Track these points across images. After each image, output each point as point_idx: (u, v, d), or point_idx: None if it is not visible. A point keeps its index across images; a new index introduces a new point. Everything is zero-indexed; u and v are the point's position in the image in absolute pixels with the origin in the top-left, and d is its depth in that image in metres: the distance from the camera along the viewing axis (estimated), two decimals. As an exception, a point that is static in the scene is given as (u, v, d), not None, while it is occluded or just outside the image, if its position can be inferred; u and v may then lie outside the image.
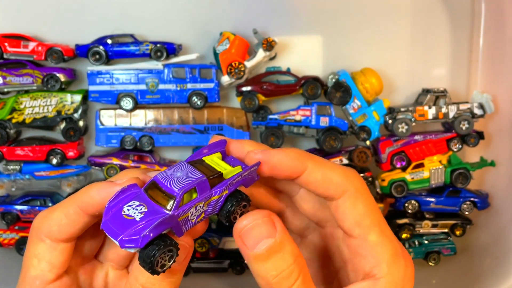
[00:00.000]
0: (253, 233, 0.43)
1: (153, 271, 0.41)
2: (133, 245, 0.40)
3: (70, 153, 1.15)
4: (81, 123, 1.14)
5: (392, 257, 0.46)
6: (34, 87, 1.12)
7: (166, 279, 0.45)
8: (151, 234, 0.40)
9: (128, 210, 0.43)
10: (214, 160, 0.48)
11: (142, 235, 0.40)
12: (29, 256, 0.48)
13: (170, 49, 1.12)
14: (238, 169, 0.46)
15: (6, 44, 1.10)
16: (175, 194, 0.42)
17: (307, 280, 0.45)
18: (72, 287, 0.51)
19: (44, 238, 0.48)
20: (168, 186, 0.43)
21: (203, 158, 0.48)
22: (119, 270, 0.55)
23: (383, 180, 1.18)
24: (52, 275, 0.48)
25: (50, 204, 1.14)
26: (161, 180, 0.44)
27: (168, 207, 0.42)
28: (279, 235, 0.44)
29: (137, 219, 0.42)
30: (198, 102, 1.14)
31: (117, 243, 0.41)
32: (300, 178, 0.48)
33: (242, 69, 1.12)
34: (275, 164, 0.47)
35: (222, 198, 0.45)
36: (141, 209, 0.43)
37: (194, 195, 0.44)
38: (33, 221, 0.49)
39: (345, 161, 1.17)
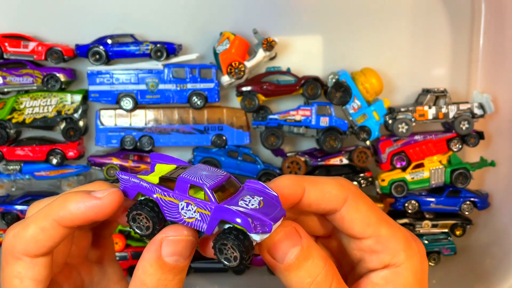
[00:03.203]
0: (280, 246, 0.43)
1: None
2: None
3: (70, 153, 1.15)
4: (81, 123, 1.14)
5: (406, 244, 0.47)
6: (34, 87, 1.12)
7: (176, 276, 0.44)
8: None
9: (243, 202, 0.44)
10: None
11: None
12: (9, 277, 0.46)
13: (170, 49, 1.12)
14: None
15: (6, 44, 1.10)
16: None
17: (341, 280, 0.46)
18: None
19: (22, 256, 0.46)
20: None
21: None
22: (85, 263, 0.54)
23: (383, 180, 1.18)
24: None
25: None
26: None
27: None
28: (304, 242, 0.44)
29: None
30: (198, 102, 1.14)
31: (273, 225, 0.42)
32: (301, 202, 0.47)
33: (242, 69, 1.12)
34: (275, 190, 0.46)
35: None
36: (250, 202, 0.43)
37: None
38: (4, 241, 0.46)
39: (345, 161, 1.17)
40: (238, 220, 0.41)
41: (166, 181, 0.45)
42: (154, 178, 0.46)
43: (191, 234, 0.44)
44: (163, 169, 0.48)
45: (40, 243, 0.45)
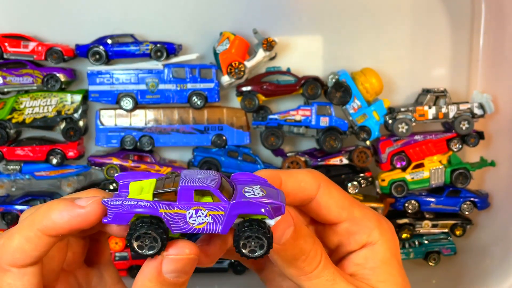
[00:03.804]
0: (278, 227, 0.45)
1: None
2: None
3: (70, 153, 1.15)
4: (81, 123, 1.14)
5: (377, 222, 0.52)
6: (34, 87, 1.12)
7: None
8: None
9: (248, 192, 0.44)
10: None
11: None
12: None
13: (170, 49, 1.12)
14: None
15: (6, 44, 1.10)
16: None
17: (327, 256, 0.49)
18: None
19: (9, 268, 0.45)
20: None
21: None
22: (81, 268, 0.54)
23: (383, 180, 1.18)
24: None
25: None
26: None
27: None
28: (296, 222, 0.46)
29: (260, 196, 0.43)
30: (198, 102, 1.14)
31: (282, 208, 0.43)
32: None
33: (242, 69, 1.12)
34: None
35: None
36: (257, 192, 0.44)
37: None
38: None
39: (345, 161, 1.17)
40: (262, 210, 0.42)
41: (162, 195, 0.44)
42: (147, 195, 0.43)
43: (193, 252, 0.44)
44: (142, 185, 0.45)
45: (27, 253, 0.45)
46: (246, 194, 0.43)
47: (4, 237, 0.46)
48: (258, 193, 0.43)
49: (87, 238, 0.54)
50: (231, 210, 0.42)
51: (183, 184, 0.42)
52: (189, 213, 0.43)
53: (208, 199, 0.43)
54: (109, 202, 0.43)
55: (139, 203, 0.42)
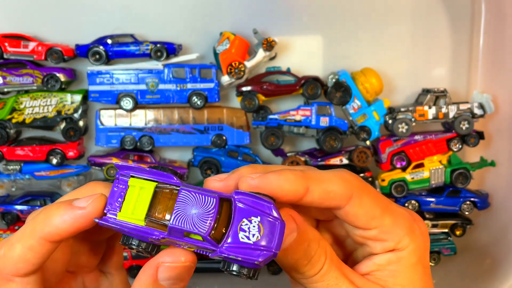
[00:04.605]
0: None
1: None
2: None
3: (70, 153, 1.15)
4: (81, 123, 1.14)
5: (409, 228, 0.48)
6: (34, 87, 1.12)
7: None
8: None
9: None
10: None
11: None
12: None
13: (170, 49, 1.12)
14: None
15: (6, 44, 1.10)
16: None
17: (334, 258, 0.47)
18: None
19: (12, 278, 0.44)
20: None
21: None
22: (91, 272, 0.54)
23: (383, 180, 1.18)
24: None
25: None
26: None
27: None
28: (300, 227, 0.45)
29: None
30: (198, 102, 1.14)
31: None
32: (303, 200, 0.46)
33: (242, 69, 1.12)
34: (274, 190, 0.44)
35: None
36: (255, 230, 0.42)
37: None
38: None
39: (345, 161, 1.17)
40: (243, 270, 0.41)
41: (155, 224, 0.43)
42: (139, 218, 0.42)
43: (189, 260, 0.44)
44: (138, 194, 0.44)
45: (30, 261, 0.44)
46: (240, 236, 0.41)
47: (4, 247, 0.45)
48: (254, 235, 0.41)
49: (104, 243, 0.53)
50: (219, 253, 0.42)
51: (173, 223, 0.41)
52: (179, 244, 0.43)
53: (198, 237, 0.42)
54: (99, 222, 0.42)
55: (130, 225, 0.42)
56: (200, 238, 0.42)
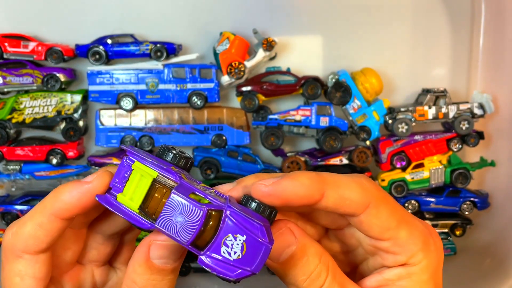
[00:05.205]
0: (273, 246, 0.43)
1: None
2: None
3: (70, 153, 1.15)
4: (81, 123, 1.14)
5: (424, 243, 0.46)
6: (34, 87, 1.12)
7: (166, 277, 0.45)
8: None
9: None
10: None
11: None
12: (9, 276, 0.46)
13: (170, 49, 1.12)
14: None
15: (6, 44, 1.10)
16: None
17: (337, 275, 0.45)
18: None
19: (22, 254, 0.46)
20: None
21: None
22: (102, 266, 0.55)
23: (383, 180, 1.18)
24: None
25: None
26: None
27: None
28: (299, 241, 0.44)
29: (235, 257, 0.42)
30: (198, 102, 1.14)
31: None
32: (317, 205, 0.45)
33: (242, 69, 1.12)
34: (289, 196, 0.43)
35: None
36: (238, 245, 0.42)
37: None
38: (3, 240, 0.47)
39: (345, 161, 1.17)
40: (220, 277, 0.41)
41: (146, 214, 0.44)
42: (134, 204, 0.43)
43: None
44: (139, 180, 0.44)
45: (40, 239, 0.46)
46: (222, 250, 0.41)
47: (17, 224, 0.47)
48: (235, 253, 0.41)
49: (117, 239, 0.54)
50: (199, 260, 0.42)
51: (159, 225, 0.42)
52: None
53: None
54: (99, 199, 0.44)
55: (126, 210, 0.44)
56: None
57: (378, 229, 0.45)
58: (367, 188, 0.45)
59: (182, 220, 0.41)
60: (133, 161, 0.44)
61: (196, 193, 0.43)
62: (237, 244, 0.41)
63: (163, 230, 0.41)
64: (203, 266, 0.42)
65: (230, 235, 0.41)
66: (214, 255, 0.41)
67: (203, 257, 0.41)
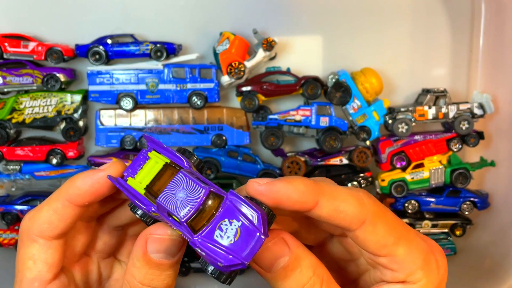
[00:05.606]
0: (266, 255, 0.43)
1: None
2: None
3: (70, 153, 1.15)
4: (81, 123, 1.14)
5: (424, 261, 0.45)
6: (34, 87, 1.12)
7: (164, 272, 0.45)
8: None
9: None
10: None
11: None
12: (23, 259, 0.48)
13: (170, 49, 1.12)
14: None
15: (6, 44, 1.10)
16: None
17: (328, 284, 0.45)
18: (70, 286, 0.51)
19: (36, 238, 0.48)
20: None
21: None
22: (106, 258, 0.56)
23: (383, 180, 1.18)
24: (50, 275, 0.48)
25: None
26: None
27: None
28: (293, 252, 0.43)
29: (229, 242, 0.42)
30: (198, 102, 1.14)
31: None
32: (310, 212, 0.44)
33: (242, 69, 1.12)
34: (281, 199, 0.43)
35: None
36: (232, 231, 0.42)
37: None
38: (21, 224, 0.49)
39: (345, 161, 1.17)
40: (210, 268, 0.41)
41: (150, 196, 0.45)
42: (141, 186, 0.45)
43: (176, 234, 0.45)
44: (153, 166, 0.46)
45: (54, 224, 0.47)
46: (216, 234, 0.41)
47: (34, 210, 0.49)
48: (228, 237, 0.41)
49: (123, 233, 0.56)
50: (191, 242, 0.42)
51: (160, 200, 0.42)
52: (167, 223, 0.44)
53: (178, 220, 0.43)
54: (110, 178, 0.47)
55: (132, 191, 0.46)
56: (178, 221, 0.42)
57: (375, 245, 0.44)
58: (365, 204, 0.44)
59: (183, 196, 0.42)
60: (151, 150, 0.47)
61: (202, 180, 0.44)
62: (232, 229, 0.41)
63: (164, 205, 0.42)
64: (194, 248, 0.42)
65: (226, 219, 0.42)
66: (206, 238, 0.41)
67: (195, 239, 0.42)
